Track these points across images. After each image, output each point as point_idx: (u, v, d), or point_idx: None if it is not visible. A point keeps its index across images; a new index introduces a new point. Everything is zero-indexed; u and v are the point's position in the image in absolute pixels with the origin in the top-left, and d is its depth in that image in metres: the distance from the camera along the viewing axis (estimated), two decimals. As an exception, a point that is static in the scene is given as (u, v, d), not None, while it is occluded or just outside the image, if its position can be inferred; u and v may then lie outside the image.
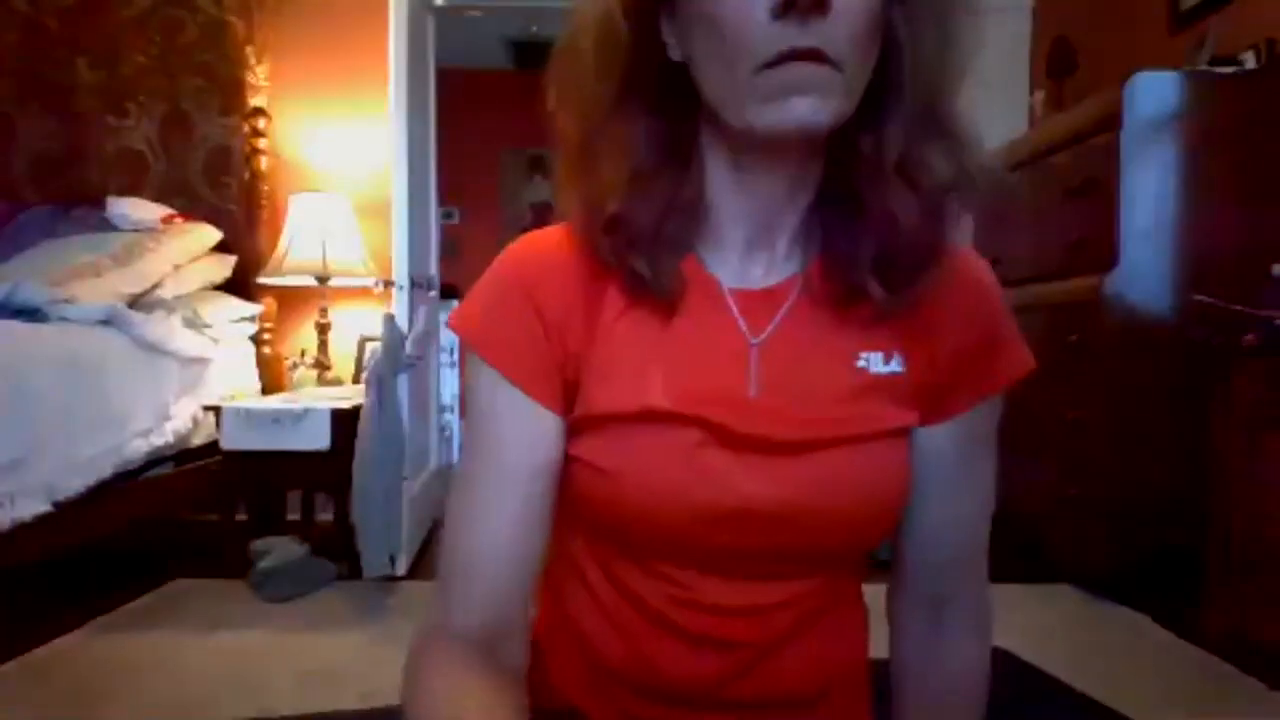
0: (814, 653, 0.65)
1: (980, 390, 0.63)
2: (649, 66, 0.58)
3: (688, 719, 0.64)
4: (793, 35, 0.50)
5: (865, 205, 0.58)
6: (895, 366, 0.61)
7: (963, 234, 0.62)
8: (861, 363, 0.61)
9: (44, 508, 1.82)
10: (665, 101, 0.59)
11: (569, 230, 0.63)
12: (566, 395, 0.61)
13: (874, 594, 0.72)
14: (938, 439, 0.64)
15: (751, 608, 0.62)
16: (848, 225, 0.60)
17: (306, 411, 2.30)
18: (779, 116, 0.52)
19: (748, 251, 0.62)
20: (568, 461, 0.62)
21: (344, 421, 2.31)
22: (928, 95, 0.56)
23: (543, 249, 0.63)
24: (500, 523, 0.59)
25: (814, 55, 0.51)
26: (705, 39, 0.54)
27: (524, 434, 0.60)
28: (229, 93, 3.01)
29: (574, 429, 0.62)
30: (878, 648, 0.74)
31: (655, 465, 0.58)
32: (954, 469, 0.64)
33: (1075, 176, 2.33)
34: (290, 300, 3.06)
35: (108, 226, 2.74)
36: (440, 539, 0.63)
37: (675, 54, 0.58)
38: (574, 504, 0.63)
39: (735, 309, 0.61)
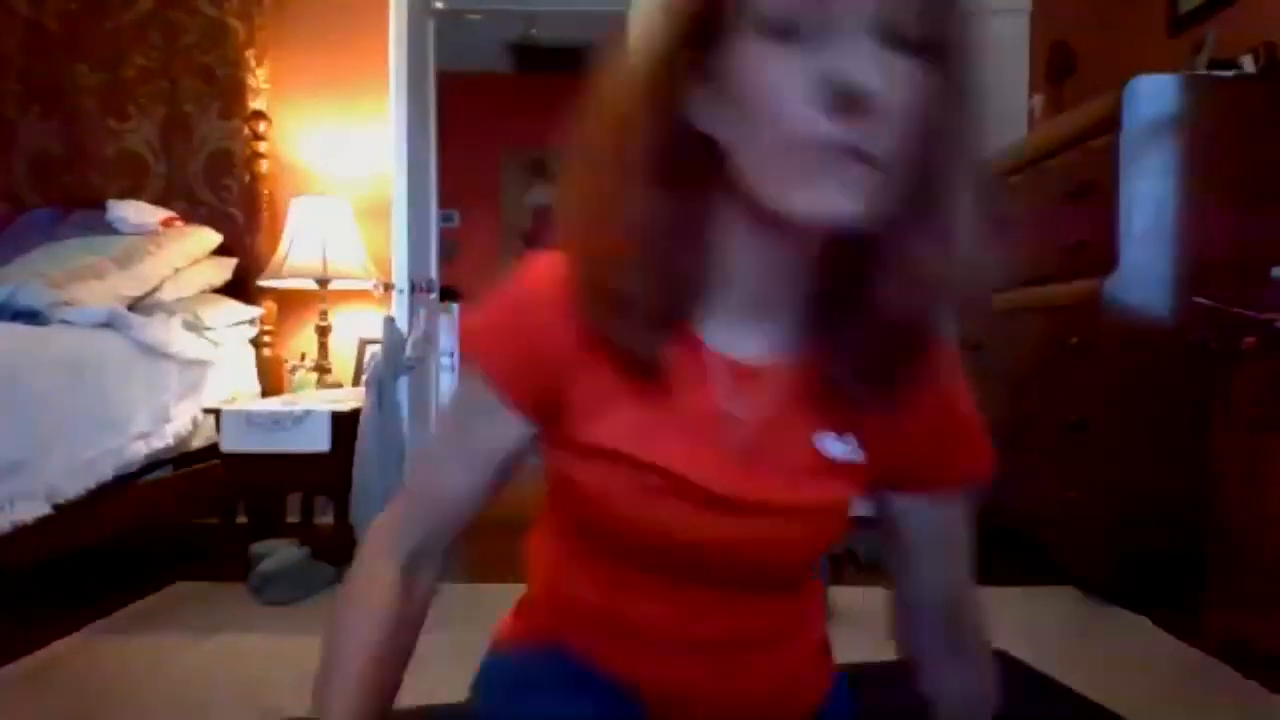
0: (772, 619, 0.73)
1: (940, 486, 0.70)
2: (669, 136, 0.58)
3: (655, 656, 0.70)
4: (838, 131, 0.51)
5: (863, 294, 0.60)
6: (854, 455, 0.66)
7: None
8: (824, 445, 0.65)
9: (44, 510, 1.82)
10: (681, 172, 0.59)
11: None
12: (543, 412, 0.67)
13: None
14: (914, 509, 0.71)
15: (707, 600, 0.69)
16: (842, 310, 0.62)
17: (306, 414, 2.30)
18: (817, 206, 0.53)
19: (743, 323, 0.64)
20: (550, 457, 0.69)
21: (344, 424, 2.31)
22: (941, 200, 0.58)
23: (554, 284, 0.64)
24: (453, 485, 0.70)
25: (856, 152, 0.52)
26: (745, 121, 0.54)
27: (492, 433, 0.68)
28: (229, 96, 3.01)
29: (556, 441, 0.67)
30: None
31: (617, 497, 0.64)
32: (936, 531, 0.71)
33: (1074, 179, 2.33)
34: (290, 303, 3.06)
35: (108, 230, 2.74)
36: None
37: (703, 126, 0.58)
38: (557, 487, 0.71)
39: (719, 377, 0.64)
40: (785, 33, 0.52)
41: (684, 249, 0.60)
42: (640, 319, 0.60)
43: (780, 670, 0.74)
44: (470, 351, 0.67)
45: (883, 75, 0.51)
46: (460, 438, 0.69)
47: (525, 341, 0.65)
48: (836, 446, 0.65)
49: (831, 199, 0.53)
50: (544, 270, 0.65)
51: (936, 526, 0.71)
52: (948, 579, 0.73)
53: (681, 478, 0.63)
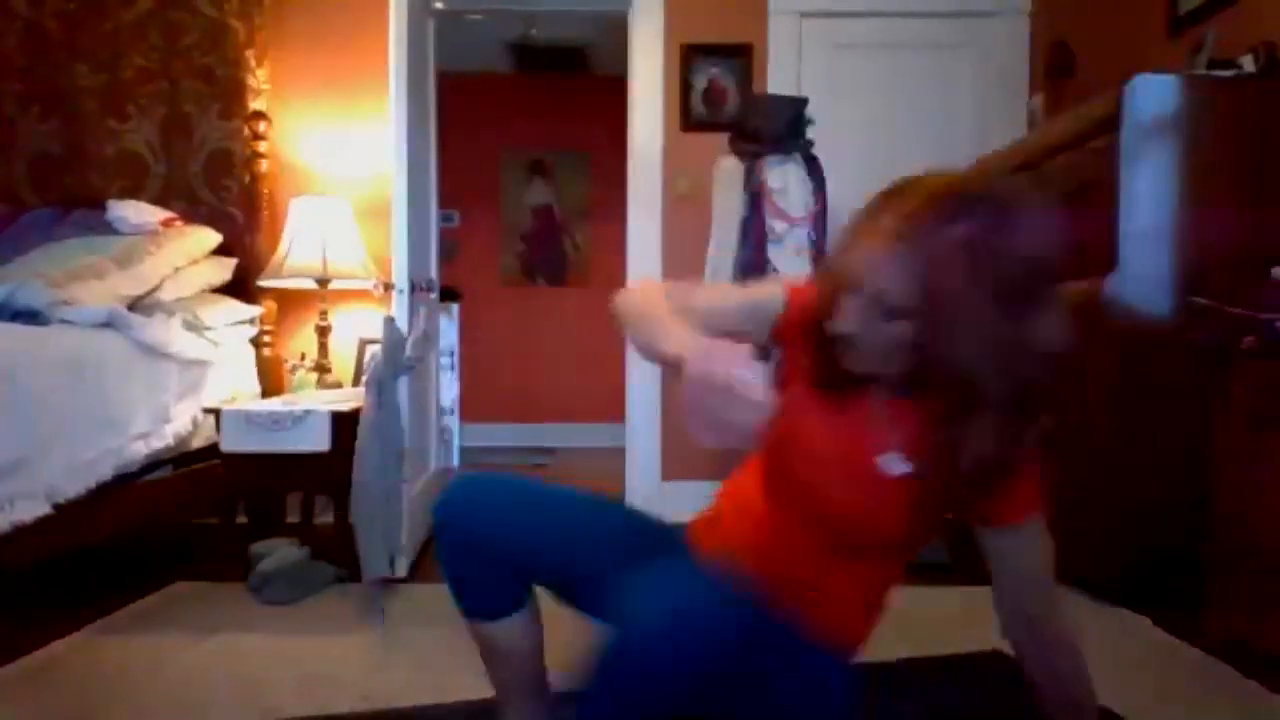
0: (822, 568, 1.04)
1: (995, 519, 1.03)
2: None
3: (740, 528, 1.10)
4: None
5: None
6: (906, 468, 0.98)
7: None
8: (887, 462, 0.99)
9: (44, 510, 1.82)
10: None
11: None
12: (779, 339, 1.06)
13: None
14: (992, 540, 1.03)
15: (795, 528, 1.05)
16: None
17: (306, 414, 2.30)
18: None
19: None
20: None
21: (344, 424, 2.31)
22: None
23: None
24: (709, 301, 1.05)
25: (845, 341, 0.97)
26: None
27: (764, 307, 1.06)
28: (229, 96, 3.01)
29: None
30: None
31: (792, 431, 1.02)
32: (1011, 556, 1.04)
33: (1074, 179, 2.33)
34: (290, 303, 3.06)
35: (108, 229, 2.74)
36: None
37: None
38: None
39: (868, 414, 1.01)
40: None
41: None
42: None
43: (810, 598, 1.03)
44: (794, 286, 1.07)
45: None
46: (745, 295, 1.09)
47: (812, 309, 1.01)
48: (897, 464, 0.98)
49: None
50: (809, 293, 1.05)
51: (1011, 553, 1.02)
52: (1026, 592, 1.04)
53: (797, 434, 1.02)
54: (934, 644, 1.84)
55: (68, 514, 1.90)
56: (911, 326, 0.88)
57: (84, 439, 1.99)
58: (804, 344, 1.02)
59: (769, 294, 1.08)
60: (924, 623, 1.97)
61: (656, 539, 1.15)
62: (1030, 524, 1.00)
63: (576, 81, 5.50)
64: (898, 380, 0.96)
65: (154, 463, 2.32)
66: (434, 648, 1.81)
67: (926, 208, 0.87)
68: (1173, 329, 2.10)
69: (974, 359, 0.87)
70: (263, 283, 2.86)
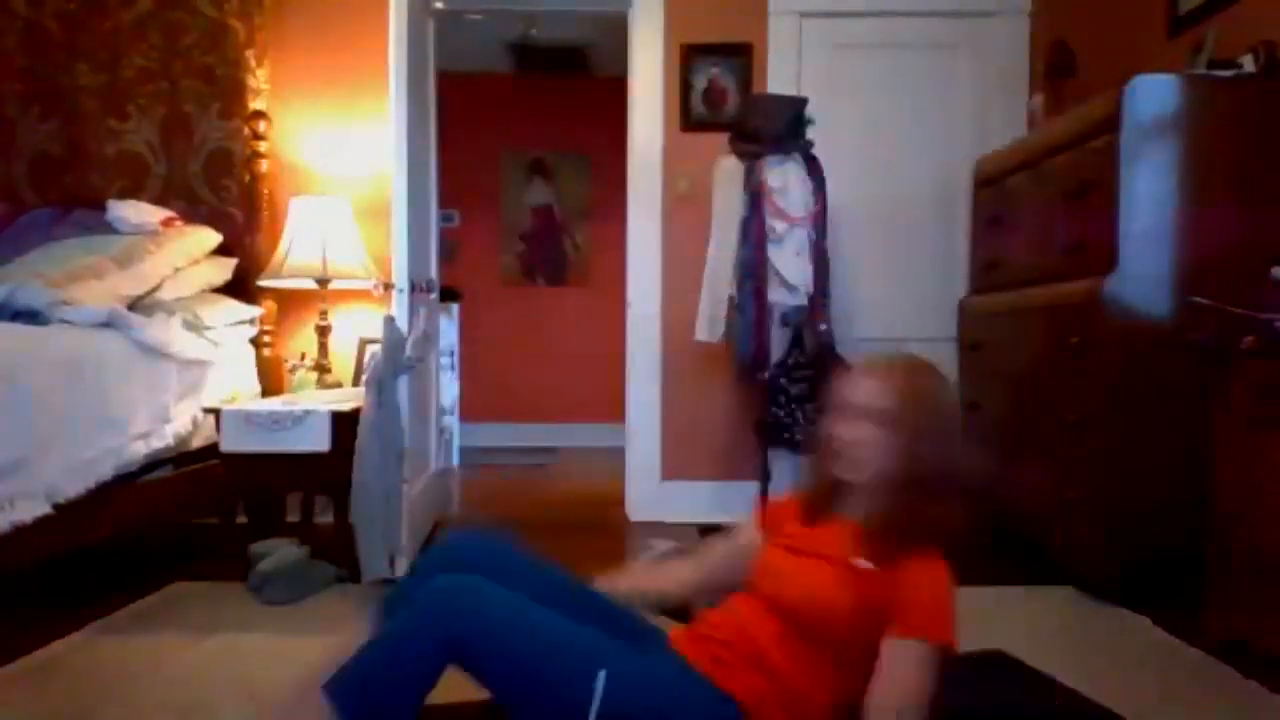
0: (769, 648, 1.18)
1: (895, 624, 1.13)
2: None
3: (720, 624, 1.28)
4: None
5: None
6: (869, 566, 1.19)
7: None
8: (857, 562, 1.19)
9: (44, 510, 1.82)
10: None
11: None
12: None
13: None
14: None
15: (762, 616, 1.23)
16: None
17: (306, 413, 2.30)
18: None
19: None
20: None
21: (344, 423, 2.31)
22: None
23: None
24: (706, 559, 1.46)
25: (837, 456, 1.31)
26: None
27: (733, 541, 1.44)
28: (229, 95, 3.01)
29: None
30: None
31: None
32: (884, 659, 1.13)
33: (1074, 179, 2.33)
34: (290, 303, 3.06)
35: (108, 229, 2.74)
36: None
37: None
38: None
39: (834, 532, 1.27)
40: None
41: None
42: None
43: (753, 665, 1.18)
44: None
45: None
46: (725, 537, 1.44)
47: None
48: (863, 563, 1.17)
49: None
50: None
51: (885, 659, 1.10)
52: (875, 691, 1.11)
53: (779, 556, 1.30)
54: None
55: (68, 514, 1.90)
56: (885, 429, 1.20)
57: (84, 439, 1.99)
58: (782, 515, 1.36)
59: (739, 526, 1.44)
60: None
61: (636, 633, 1.28)
62: (910, 641, 1.10)
63: (576, 82, 5.50)
64: (868, 485, 1.23)
65: (154, 463, 2.32)
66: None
67: (897, 361, 1.30)
68: (1173, 329, 2.10)
69: (925, 455, 1.19)
70: (263, 283, 2.86)
